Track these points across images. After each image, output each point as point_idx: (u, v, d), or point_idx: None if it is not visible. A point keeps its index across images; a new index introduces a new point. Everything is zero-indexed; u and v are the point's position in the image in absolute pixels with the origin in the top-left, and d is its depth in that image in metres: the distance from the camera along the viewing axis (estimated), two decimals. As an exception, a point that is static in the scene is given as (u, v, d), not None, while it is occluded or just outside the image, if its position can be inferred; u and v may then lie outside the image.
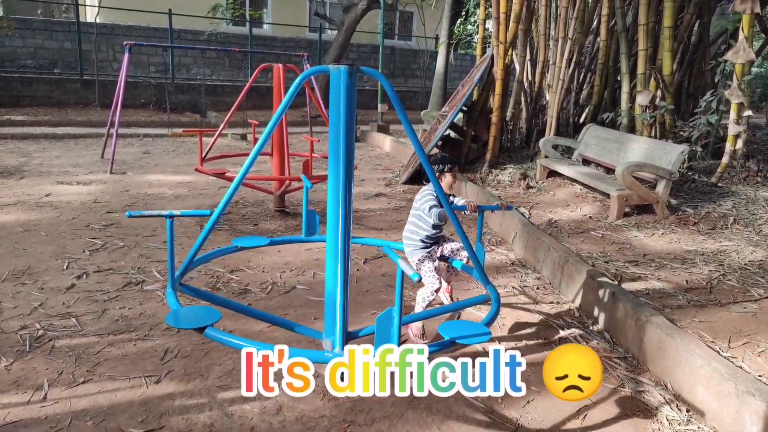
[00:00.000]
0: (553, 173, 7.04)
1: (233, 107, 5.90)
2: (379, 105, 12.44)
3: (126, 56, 7.91)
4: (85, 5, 17.77)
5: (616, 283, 3.80)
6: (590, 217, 5.68)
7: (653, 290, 3.80)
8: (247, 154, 6.56)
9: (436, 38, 20.52)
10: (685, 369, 2.80)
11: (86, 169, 7.79)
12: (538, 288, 4.28)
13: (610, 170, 6.53)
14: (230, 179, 5.53)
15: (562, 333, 3.52)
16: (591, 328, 3.60)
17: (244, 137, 11.36)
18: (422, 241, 3.32)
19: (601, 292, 3.65)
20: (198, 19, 15.73)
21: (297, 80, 2.58)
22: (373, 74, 2.64)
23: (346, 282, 2.71)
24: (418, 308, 3.31)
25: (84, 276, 4.06)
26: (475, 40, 22.85)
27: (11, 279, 3.94)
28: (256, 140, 6.40)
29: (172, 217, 2.63)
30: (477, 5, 20.04)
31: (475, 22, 21.86)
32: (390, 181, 7.96)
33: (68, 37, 14.83)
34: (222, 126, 5.78)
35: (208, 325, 2.38)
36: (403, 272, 2.29)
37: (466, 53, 22.50)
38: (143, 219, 5.54)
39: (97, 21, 14.07)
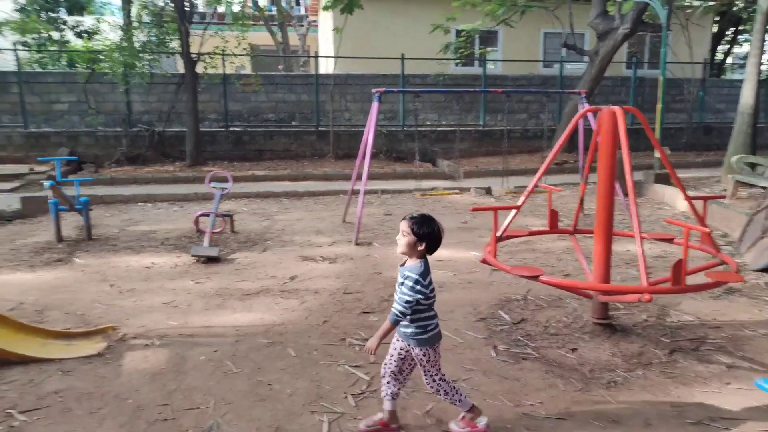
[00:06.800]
0: None
1: (546, 161, 4.14)
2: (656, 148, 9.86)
3: (375, 105, 6.79)
4: (319, 57, 18.21)
5: None
6: None
7: None
8: (549, 231, 4.72)
9: (705, 63, 17.08)
10: None
11: (329, 237, 6.74)
12: None
13: None
14: (553, 285, 3.74)
15: None
16: None
17: (488, 191, 9.71)
18: None
19: None
20: (426, 62, 14.82)
21: None
22: None
23: None
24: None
25: (355, 462, 2.53)
26: None
27: (254, 460, 2.56)
28: (552, 214, 4.55)
29: None
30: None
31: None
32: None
33: (305, 90, 14.96)
34: (525, 196, 4.03)
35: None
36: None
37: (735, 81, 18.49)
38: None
39: (333, 72, 13.91)
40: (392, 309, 2.54)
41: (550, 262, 5.72)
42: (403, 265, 2.62)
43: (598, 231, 3.88)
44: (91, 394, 3.12)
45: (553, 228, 4.62)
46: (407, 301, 2.49)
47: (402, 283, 2.54)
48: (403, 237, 2.56)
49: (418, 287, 2.50)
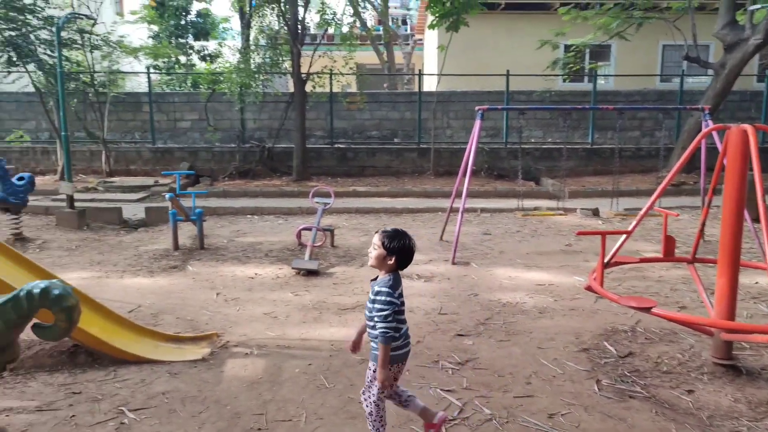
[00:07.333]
0: None
1: (664, 182, 3.85)
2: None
3: (478, 122, 6.70)
4: (423, 75, 18.37)
5: None
6: None
7: None
8: (664, 259, 4.38)
9: None
10: None
11: (425, 255, 6.69)
12: None
13: None
14: (669, 319, 3.45)
15: None
16: None
17: (595, 213, 9.21)
18: None
19: None
20: (531, 79, 14.44)
21: None
22: None
23: None
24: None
25: (443, 494, 2.44)
26: None
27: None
28: (668, 240, 4.20)
29: None
30: None
31: None
32: None
33: (408, 107, 15.13)
34: (638, 220, 3.76)
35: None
36: None
37: None
38: (504, 355, 3.84)
39: (437, 90, 13.96)
40: (379, 331, 2.49)
41: (664, 292, 5.28)
42: (374, 280, 2.62)
43: (723, 260, 3.52)
44: (194, 398, 3.28)
45: (669, 255, 4.26)
46: (385, 316, 2.48)
47: (373, 301, 2.53)
48: (374, 250, 2.57)
49: (389, 299, 2.49)
